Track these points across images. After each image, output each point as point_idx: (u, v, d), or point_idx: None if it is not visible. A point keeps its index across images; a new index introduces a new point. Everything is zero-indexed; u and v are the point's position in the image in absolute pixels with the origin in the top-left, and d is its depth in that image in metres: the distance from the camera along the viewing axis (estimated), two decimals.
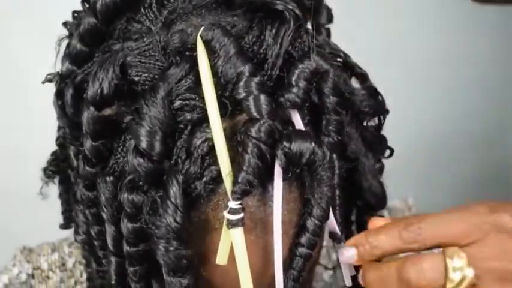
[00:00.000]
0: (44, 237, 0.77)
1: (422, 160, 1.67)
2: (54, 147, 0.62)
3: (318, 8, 0.61)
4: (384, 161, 0.61)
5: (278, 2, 0.48)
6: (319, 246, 0.63)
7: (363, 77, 0.55)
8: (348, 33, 0.60)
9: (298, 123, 0.49)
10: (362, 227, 0.63)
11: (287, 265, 0.50)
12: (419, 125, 1.64)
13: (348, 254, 0.51)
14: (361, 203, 0.60)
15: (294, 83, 0.48)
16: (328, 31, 0.63)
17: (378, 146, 0.59)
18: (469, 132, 1.72)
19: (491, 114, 1.74)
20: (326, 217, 0.51)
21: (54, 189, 0.65)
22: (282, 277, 0.49)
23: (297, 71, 0.48)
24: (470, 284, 0.46)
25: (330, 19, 0.63)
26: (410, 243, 0.48)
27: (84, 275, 0.71)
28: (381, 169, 0.61)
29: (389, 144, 0.60)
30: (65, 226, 0.65)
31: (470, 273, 0.45)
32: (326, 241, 0.75)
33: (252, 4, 0.49)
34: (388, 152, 0.60)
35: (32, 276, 0.73)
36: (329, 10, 0.63)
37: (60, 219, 0.66)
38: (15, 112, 1.39)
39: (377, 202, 0.60)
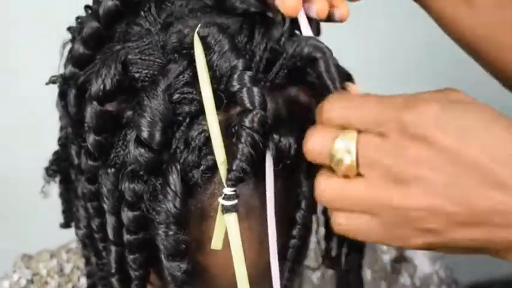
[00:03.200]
0: (43, 244, 0.79)
1: None
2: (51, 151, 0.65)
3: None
4: None
5: (260, 5, 0.52)
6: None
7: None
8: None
9: (304, 23, 0.52)
10: None
11: (280, 255, 0.53)
12: None
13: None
14: None
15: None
16: None
17: None
18: None
19: None
20: (314, 209, 0.55)
21: (53, 199, 0.68)
22: (278, 265, 0.52)
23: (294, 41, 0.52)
24: (351, 170, 0.44)
25: (318, 33, 0.66)
26: (325, 123, 0.46)
27: (82, 280, 0.73)
28: None
29: None
30: (65, 225, 0.67)
31: (348, 159, 0.44)
32: (313, 243, 0.78)
33: (236, 10, 0.53)
34: None
35: (32, 281, 0.74)
36: (318, 24, 0.66)
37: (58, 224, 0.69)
38: (15, 115, 1.40)
39: None
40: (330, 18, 0.56)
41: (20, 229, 1.44)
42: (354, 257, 0.66)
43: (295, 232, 0.54)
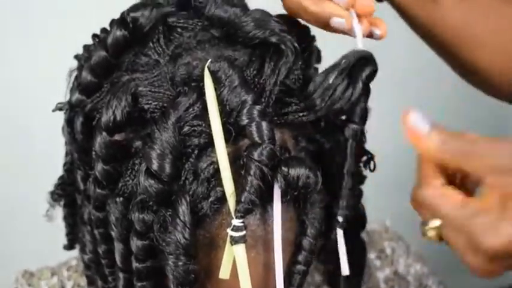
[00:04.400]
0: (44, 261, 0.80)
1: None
2: (55, 174, 0.66)
3: (310, 49, 0.66)
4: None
5: (275, 36, 0.53)
6: None
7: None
8: None
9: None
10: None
11: (286, 281, 0.54)
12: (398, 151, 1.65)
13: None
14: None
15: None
16: (316, 71, 0.68)
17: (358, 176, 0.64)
18: None
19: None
20: (320, 236, 0.56)
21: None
22: None
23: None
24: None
25: (319, 60, 0.67)
26: (452, 161, 0.46)
27: None
28: (360, 195, 0.65)
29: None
30: (69, 247, 0.68)
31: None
32: None
33: (252, 40, 0.54)
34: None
35: None
36: (319, 52, 0.67)
37: (59, 243, 0.69)
38: (21, 140, 1.41)
39: (357, 223, 0.65)
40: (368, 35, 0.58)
41: (18, 245, 1.44)
42: (353, 279, 0.68)
43: (300, 258, 0.55)
